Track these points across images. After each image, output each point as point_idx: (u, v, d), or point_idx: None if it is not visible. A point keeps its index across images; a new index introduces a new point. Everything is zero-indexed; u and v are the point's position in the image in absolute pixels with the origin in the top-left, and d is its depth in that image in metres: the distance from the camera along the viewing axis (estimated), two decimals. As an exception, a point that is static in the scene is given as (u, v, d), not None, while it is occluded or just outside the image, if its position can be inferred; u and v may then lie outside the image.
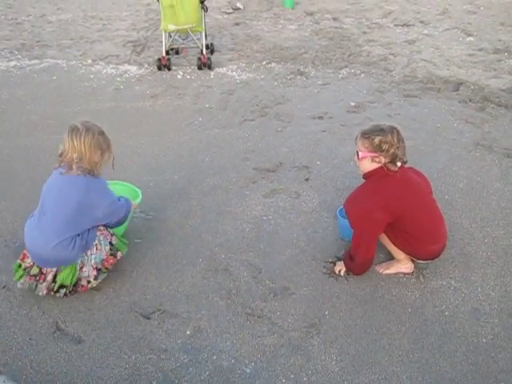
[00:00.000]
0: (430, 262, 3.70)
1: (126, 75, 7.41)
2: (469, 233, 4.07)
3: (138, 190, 4.12)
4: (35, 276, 3.42)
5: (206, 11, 7.43)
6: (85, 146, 3.28)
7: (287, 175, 4.88)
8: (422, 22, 9.79)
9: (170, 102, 6.55)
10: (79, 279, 3.46)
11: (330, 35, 8.98)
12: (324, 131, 5.70)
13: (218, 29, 9.39)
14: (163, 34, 7.49)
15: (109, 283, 3.60)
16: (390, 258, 3.73)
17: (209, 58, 7.54)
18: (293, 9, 10.71)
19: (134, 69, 7.65)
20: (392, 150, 3.34)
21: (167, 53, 7.63)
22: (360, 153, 3.44)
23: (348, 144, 5.35)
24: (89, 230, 3.44)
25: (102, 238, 3.52)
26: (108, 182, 3.68)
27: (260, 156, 5.21)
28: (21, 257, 3.51)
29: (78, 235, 3.37)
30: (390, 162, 3.38)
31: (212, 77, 7.30)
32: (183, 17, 7.15)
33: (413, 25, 9.61)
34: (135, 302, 3.48)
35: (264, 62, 7.76)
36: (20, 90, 6.99)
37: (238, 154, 5.25)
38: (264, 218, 4.30)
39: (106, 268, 3.57)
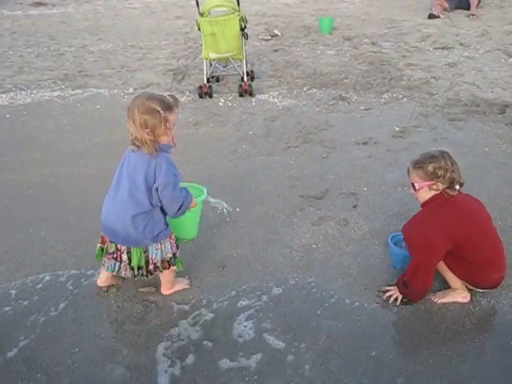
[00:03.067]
0: (488, 290, 3.59)
1: (168, 103, 7.45)
2: (526, 259, 3.96)
3: (203, 188, 4.07)
4: (113, 254, 3.56)
5: (247, 39, 7.44)
6: (134, 126, 3.26)
7: (335, 202, 4.83)
8: (461, 44, 9.72)
9: (212, 130, 6.56)
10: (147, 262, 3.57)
11: (369, 60, 8.95)
12: (370, 157, 5.64)
13: (256, 55, 9.43)
14: (204, 61, 7.55)
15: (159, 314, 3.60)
16: (444, 286, 3.63)
17: (250, 85, 7.55)
18: (330, 34, 10.73)
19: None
20: (448, 175, 3.33)
21: (208, 80, 7.68)
22: (416, 184, 3.43)
23: (395, 169, 5.29)
24: (156, 220, 3.49)
25: (168, 244, 3.58)
26: None
27: (306, 183, 5.16)
28: (100, 240, 3.65)
29: (149, 220, 3.44)
30: (448, 188, 3.35)
31: (254, 104, 7.31)
32: (224, 45, 7.19)
33: (453, 47, 9.54)
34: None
35: (305, 88, 7.75)
36: (64, 120, 7.08)
37: (284, 182, 5.21)
38: (313, 246, 4.24)
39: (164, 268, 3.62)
